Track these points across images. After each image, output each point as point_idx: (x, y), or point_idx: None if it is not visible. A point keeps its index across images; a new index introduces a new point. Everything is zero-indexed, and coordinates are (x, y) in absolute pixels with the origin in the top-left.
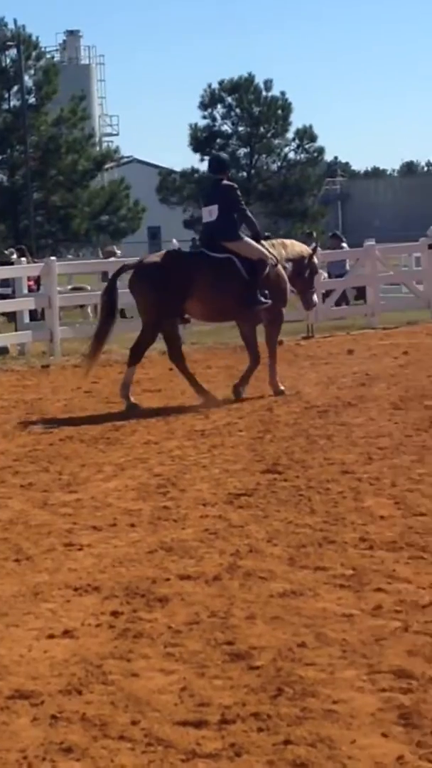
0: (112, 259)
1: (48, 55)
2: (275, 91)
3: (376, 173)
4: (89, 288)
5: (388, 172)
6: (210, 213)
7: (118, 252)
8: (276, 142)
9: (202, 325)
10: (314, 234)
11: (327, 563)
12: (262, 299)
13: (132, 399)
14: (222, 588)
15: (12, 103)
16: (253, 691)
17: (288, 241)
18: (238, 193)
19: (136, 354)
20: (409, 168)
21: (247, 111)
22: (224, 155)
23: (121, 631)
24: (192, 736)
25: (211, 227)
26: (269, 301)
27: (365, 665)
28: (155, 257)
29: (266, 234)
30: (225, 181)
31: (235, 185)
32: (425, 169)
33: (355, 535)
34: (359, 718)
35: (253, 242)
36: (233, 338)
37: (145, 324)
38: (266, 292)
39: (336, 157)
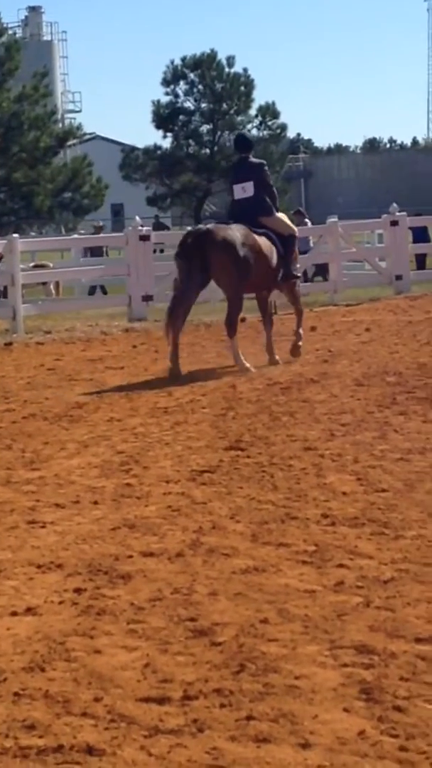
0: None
1: (9, 32)
2: (238, 68)
3: (338, 150)
4: (51, 265)
5: (351, 149)
6: (244, 189)
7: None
8: (239, 118)
9: (165, 302)
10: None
11: (289, 539)
12: (296, 273)
13: (247, 364)
14: (185, 564)
15: None
16: (216, 667)
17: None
18: (268, 170)
19: (234, 324)
20: (371, 145)
21: (209, 87)
22: (249, 134)
23: (84, 608)
24: (155, 713)
25: (246, 203)
26: (300, 275)
27: (327, 641)
28: (231, 229)
29: None
30: (252, 159)
31: (265, 162)
32: (387, 146)
33: (317, 511)
34: (321, 693)
35: (285, 217)
36: (196, 315)
37: (236, 293)
38: (298, 265)
39: (299, 134)
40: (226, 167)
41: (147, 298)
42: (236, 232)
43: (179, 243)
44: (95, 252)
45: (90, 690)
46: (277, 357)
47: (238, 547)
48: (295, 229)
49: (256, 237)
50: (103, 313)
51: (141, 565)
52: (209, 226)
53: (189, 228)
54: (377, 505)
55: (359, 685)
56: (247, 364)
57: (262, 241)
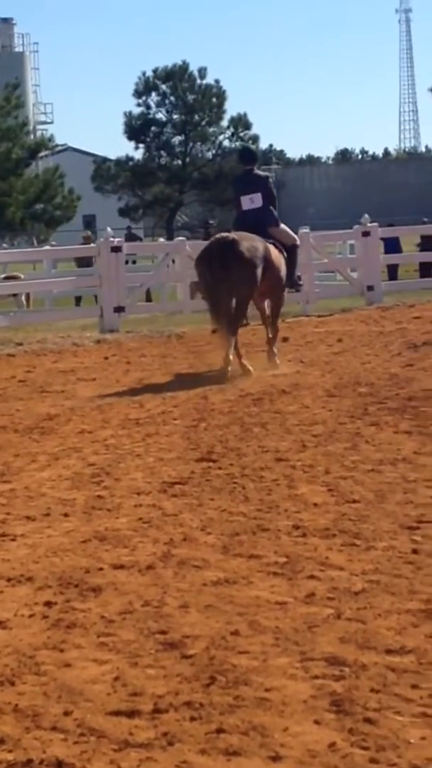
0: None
1: None
2: (209, 79)
3: (310, 161)
4: (23, 277)
5: (323, 160)
6: (252, 200)
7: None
8: (210, 129)
9: (136, 313)
10: None
11: (260, 551)
12: (299, 282)
13: (244, 362)
14: (155, 577)
15: None
16: (186, 680)
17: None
18: (273, 182)
19: (235, 326)
20: (343, 156)
21: (181, 99)
22: (253, 146)
23: (54, 621)
24: (125, 726)
25: (255, 214)
26: (302, 283)
27: (298, 653)
28: (254, 240)
29: (211, 221)
30: (257, 171)
31: (270, 175)
32: (359, 156)
33: (288, 522)
34: (292, 705)
35: (287, 228)
36: (168, 326)
37: (248, 301)
38: (299, 275)
39: (271, 145)
40: (199, 178)
41: (119, 310)
42: (258, 243)
43: (204, 249)
44: (83, 262)
45: (60, 704)
46: (277, 360)
47: (209, 559)
48: (298, 239)
49: (270, 247)
50: (75, 325)
51: (112, 578)
52: (233, 235)
53: (179, 238)
54: (348, 516)
55: (330, 697)
56: (236, 364)
57: (275, 252)
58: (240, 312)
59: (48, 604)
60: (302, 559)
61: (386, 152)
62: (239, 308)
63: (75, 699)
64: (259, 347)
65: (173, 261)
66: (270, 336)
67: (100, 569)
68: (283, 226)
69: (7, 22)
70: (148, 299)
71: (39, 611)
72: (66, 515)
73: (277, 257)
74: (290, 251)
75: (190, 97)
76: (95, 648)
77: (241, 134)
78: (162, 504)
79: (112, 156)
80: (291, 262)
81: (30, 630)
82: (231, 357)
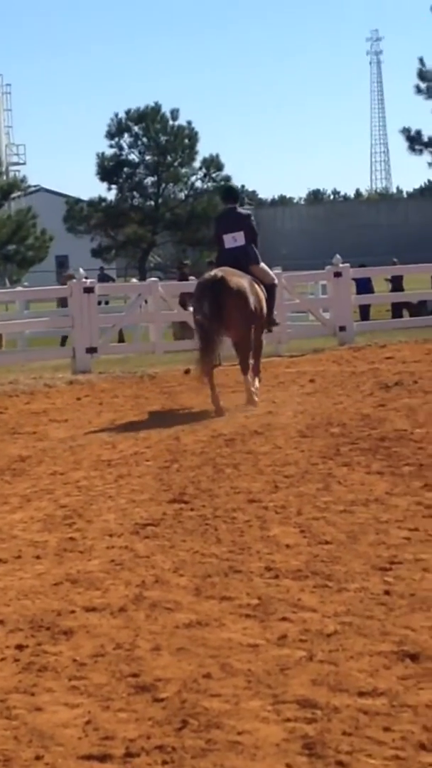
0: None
1: None
2: (182, 120)
3: (282, 201)
4: None
5: (295, 201)
6: (234, 239)
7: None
8: (183, 170)
9: (109, 354)
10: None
11: (233, 593)
12: (277, 320)
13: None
14: (127, 619)
15: None
16: (158, 724)
17: None
18: (254, 221)
19: (247, 363)
20: (315, 196)
21: (153, 140)
22: (236, 185)
23: (26, 664)
24: None
25: (237, 252)
26: (279, 322)
27: (270, 695)
28: (243, 277)
29: (185, 262)
30: (240, 210)
31: (252, 213)
32: (331, 197)
33: (260, 564)
34: (264, 748)
35: (267, 267)
36: (141, 367)
37: (245, 336)
38: (276, 313)
39: (243, 186)
40: (171, 219)
41: (91, 350)
42: (244, 279)
43: (196, 289)
44: (65, 303)
45: (31, 748)
46: (255, 398)
47: (181, 601)
48: (275, 278)
49: (256, 285)
50: (48, 366)
51: (83, 621)
52: (220, 273)
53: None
54: (320, 557)
55: (302, 740)
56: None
57: (259, 289)
58: (244, 349)
59: (19, 647)
60: (274, 601)
61: (358, 193)
62: (243, 345)
63: (46, 743)
64: (231, 387)
65: (146, 301)
66: (246, 374)
67: (72, 612)
68: (262, 264)
69: None
70: (121, 340)
71: (10, 654)
72: (38, 557)
73: (260, 294)
74: (269, 290)
75: (163, 138)
76: (67, 691)
77: (214, 175)
78: (134, 546)
79: (85, 197)
80: (270, 300)
81: (1, 673)
82: (215, 403)
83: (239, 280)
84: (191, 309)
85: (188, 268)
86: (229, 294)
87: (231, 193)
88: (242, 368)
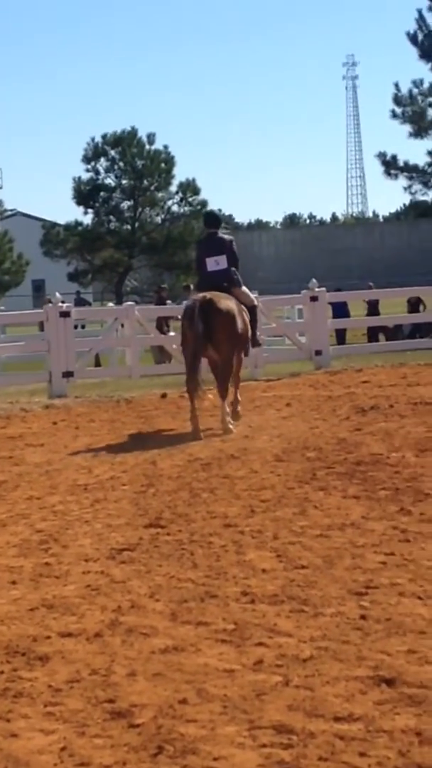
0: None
1: None
2: (158, 145)
3: (259, 226)
4: None
5: (271, 225)
6: (217, 263)
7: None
8: (159, 195)
9: (85, 378)
10: (191, 287)
11: (209, 618)
12: (259, 341)
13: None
14: (103, 645)
15: None
16: (134, 750)
17: None
18: (235, 245)
19: (227, 386)
20: (291, 221)
21: (130, 164)
22: (216, 211)
23: (1, 690)
24: None
25: (219, 275)
26: (262, 342)
27: (246, 721)
28: (230, 299)
29: (163, 286)
30: (222, 234)
31: (233, 238)
32: (307, 221)
33: (236, 589)
34: None
35: (248, 290)
36: (117, 391)
37: (231, 358)
38: (260, 334)
39: (220, 210)
40: (148, 243)
41: (67, 375)
42: (231, 301)
43: (185, 309)
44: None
45: None
46: (231, 426)
47: (157, 626)
48: (255, 300)
49: (241, 308)
50: (24, 390)
51: (59, 646)
52: (209, 295)
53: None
54: (297, 582)
55: (278, 766)
56: (231, 427)
57: (245, 313)
58: (226, 372)
59: None
60: (250, 626)
61: (334, 217)
62: (225, 366)
63: None
64: (208, 411)
65: (122, 325)
66: (224, 399)
67: (48, 637)
68: (244, 287)
69: None
70: (97, 364)
71: None
72: (13, 583)
73: (245, 317)
74: (250, 311)
75: (139, 163)
76: (42, 718)
77: (190, 199)
78: (110, 571)
79: (62, 221)
80: (252, 322)
81: None
82: (194, 415)
83: (228, 302)
84: (170, 333)
85: (166, 291)
86: (218, 315)
87: (213, 219)
88: (221, 392)
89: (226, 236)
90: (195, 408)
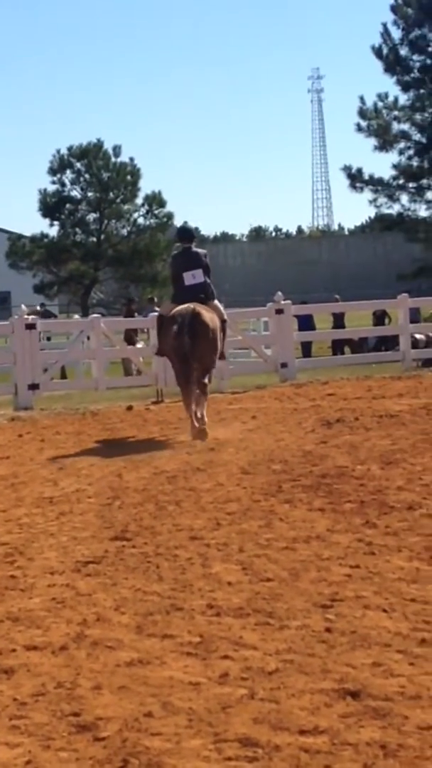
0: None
1: None
2: (124, 157)
3: (225, 238)
4: None
5: (237, 237)
6: (194, 276)
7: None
8: (125, 207)
9: (51, 391)
10: (155, 299)
11: (174, 631)
12: (224, 353)
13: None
14: (69, 658)
15: None
16: (99, 763)
17: None
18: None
19: (205, 389)
20: (257, 233)
21: (96, 176)
22: (190, 225)
23: None
24: None
25: (196, 289)
26: (225, 356)
27: (211, 734)
28: (209, 309)
29: (132, 298)
30: (196, 249)
31: (206, 252)
32: (273, 234)
33: (202, 601)
34: None
35: (219, 304)
36: (83, 403)
37: (213, 364)
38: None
39: (185, 222)
40: (113, 256)
41: (33, 387)
42: (213, 313)
43: (169, 320)
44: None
45: None
46: (205, 426)
47: (122, 639)
48: (225, 315)
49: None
50: None
51: (24, 659)
52: (194, 307)
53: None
54: (262, 594)
55: None
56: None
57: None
58: (207, 378)
59: None
60: (216, 638)
61: (299, 230)
62: (206, 374)
63: None
64: (174, 424)
65: (88, 338)
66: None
67: (13, 650)
68: (216, 301)
69: None
70: (63, 376)
71: None
72: None
73: (220, 329)
74: (221, 325)
75: (105, 175)
76: (7, 731)
77: (156, 212)
78: (76, 583)
79: (27, 233)
80: (222, 335)
81: None
82: (196, 417)
83: (212, 314)
84: (139, 345)
85: (135, 304)
86: (202, 327)
87: (187, 233)
88: (203, 392)
89: (200, 250)
90: (192, 407)
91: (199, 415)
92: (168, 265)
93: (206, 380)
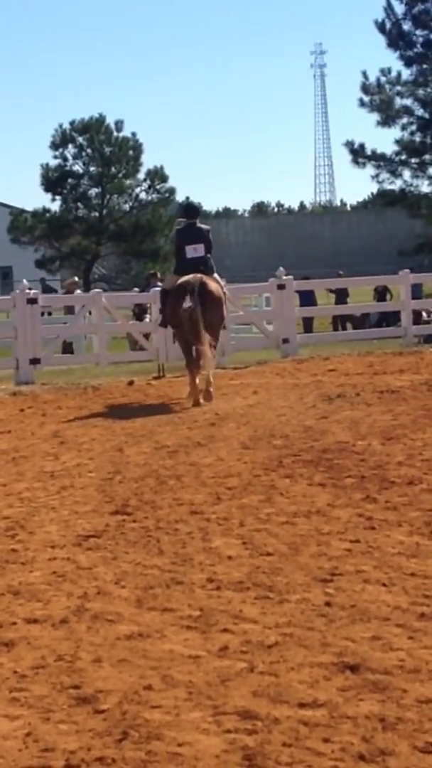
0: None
1: None
2: (126, 132)
3: (227, 214)
4: None
5: (239, 213)
6: (195, 250)
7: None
8: (127, 182)
9: (52, 366)
10: (158, 274)
11: (174, 604)
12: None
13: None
14: (69, 631)
15: None
16: (99, 735)
17: None
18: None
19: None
20: (259, 209)
21: (98, 151)
22: (196, 202)
23: None
24: None
25: (197, 262)
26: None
27: (210, 707)
28: (214, 279)
29: (152, 272)
30: (200, 225)
31: (210, 228)
32: (275, 210)
33: (202, 575)
34: (204, 760)
35: (218, 276)
36: (84, 378)
37: (218, 331)
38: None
39: (188, 198)
40: (115, 231)
41: (34, 362)
42: (217, 283)
43: (178, 289)
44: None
45: None
46: (211, 390)
47: (122, 612)
48: (224, 288)
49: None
50: None
51: (25, 632)
52: (201, 276)
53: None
54: (262, 568)
55: (242, 752)
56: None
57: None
58: (213, 348)
59: None
60: (216, 612)
61: (302, 206)
62: (216, 338)
63: None
64: (175, 399)
65: (89, 313)
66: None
67: (14, 623)
68: (216, 275)
69: None
70: (65, 351)
71: None
72: None
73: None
74: None
75: (107, 150)
76: (7, 703)
77: (158, 187)
78: (76, 557)
79: (29, 207)
80: None
81: None
82: (197, 383)
83: (217, 285)
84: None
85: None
86: (209, 294)
87: (193, 209)
88: (209, 366)
89: (203, 226)
90: (194, 378)
91: (209, 378)
92: (171, 239)
93: (214, 345)
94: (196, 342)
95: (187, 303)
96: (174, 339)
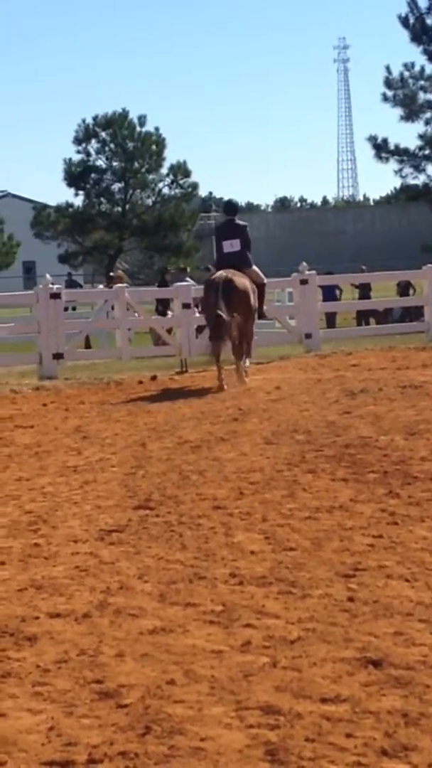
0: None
1: None
2: (149, 127)
3: (250, 208)
4: None
5: (262, 208)
6: (231, 245)
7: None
8: (150, 177)
9: (75, 360)
10: (188, 269)
11: (197, 599)
12: (266, 314)
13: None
14: (92, 626)
15: None
16: (121, 730)
17: None
18: (249, 231)
19: (242, 351)
20: (282, 204)
21: (121, 146)
22: (235, 200)
23: None
24: None
25: (233, 256)
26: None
27: (233, 702)
28: (241, 275)
29: (166, 267)
30: (238, 221)
31: (248, 225)
32: (298, 204)
33: (225, 570)
34: (226, 755)
35: (258, 269)
36: (107, 373)
37: (250, 324)
38: (266, 308)
39: (210, 193)
40: (138, 225)
41: (57, 356)
42: (246, 280)
43: (206, 285)
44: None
45: None
46: (246, 379)
47: (145, 607)
48: (265, 279)
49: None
50: (13, 371)
51: (48, 627)
52: (227, 274)
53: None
54: (285, 564)
55: (264, 747)
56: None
57: (252, 287)
58: (241, 338)
59: None
60: (238, 607)
61: (325, 200)
62: (241, 335)
63: (9, 749)
64: (197, 394)
65: (112, 307)
66: (241, 359)
67: (36, 618)
68: (254, 267)
69: None
70: (87, 346)
71: None
72: (2, 563)
73: (255, 293)
74: (259, 288)
75: (130, 145)
76: (30, 697)
77: (181, 182)
78: (99, 552)
79: (52, 202)
80: (260, 297)
81: None
82: (223, 376)
83: (243, 280)
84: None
85: (170, 274)
86: (236, 291)
87: (232, 207)
88: (237, 354)
89: (241, 223)
90: (220, 365)
91: (240, 365)
92: (197, 233)
93: (242, 338)
94: (213, 335)
95: (214, 300)
96: (196, 334)
